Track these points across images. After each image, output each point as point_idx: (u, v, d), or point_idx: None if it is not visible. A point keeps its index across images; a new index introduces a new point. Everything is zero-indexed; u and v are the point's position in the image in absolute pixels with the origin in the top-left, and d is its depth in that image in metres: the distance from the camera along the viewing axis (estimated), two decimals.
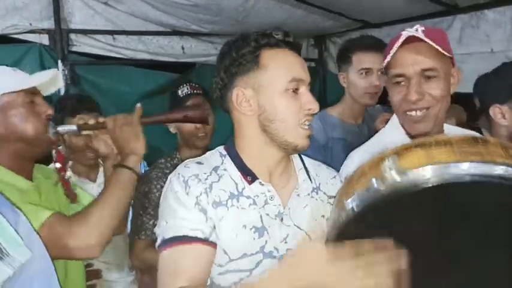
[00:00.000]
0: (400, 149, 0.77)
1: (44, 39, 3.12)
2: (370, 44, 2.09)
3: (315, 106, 1.09)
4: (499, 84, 1.51)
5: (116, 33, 3.35)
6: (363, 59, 2.07)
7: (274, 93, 1.07)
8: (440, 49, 1.23)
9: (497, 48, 2.73)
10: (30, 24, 3.05)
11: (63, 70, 3.10)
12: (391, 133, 1.37)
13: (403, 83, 1.29)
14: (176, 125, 2.00)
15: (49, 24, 3.07)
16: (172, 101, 2.05)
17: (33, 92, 1.38)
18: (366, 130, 2.15)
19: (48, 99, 1.47)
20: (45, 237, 1.10)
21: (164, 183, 1.88)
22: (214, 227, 1.05)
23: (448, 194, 0.72)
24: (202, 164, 1.12)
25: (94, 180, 2.19)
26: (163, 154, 2.16)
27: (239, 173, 1.11)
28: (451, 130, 1.42)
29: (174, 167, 1.93)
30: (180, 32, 3.54)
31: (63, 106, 2.09)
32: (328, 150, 2.01)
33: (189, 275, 1.00)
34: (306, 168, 1.21)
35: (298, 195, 1.15)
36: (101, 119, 1.48)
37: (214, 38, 3.70)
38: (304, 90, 1.09)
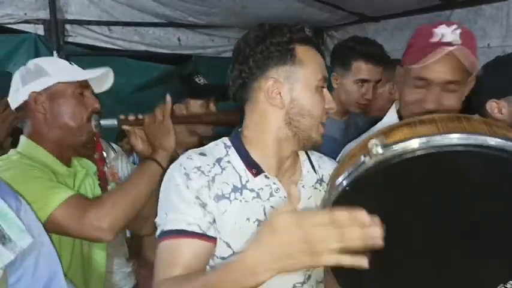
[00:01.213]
0: (386, 129, 0.82)
1: (39, 30, 3.10)
2: (374, 54, 2.03)
3: (333, 105, 1.13)
4: (495, 79, 1.50)
5: (112, 24, 3.33)
6: (363, 69, 2.01)
7: (308, 89, 1.09)
8: (473, 63, 1.19)
9: (494, 44, 2.73)
10: (25, 14, 3.03)
11: None
12: (386, 120, 1.36)
13: (422, 86, 1.26)
14: (188, 113, 2.00)
15: (44, 14, 3.05)
16: (191, 89, 2.04)
17: (84, 85, 1.50)
18: (353, 127, 2.14)
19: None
20: (62, 215, 1.28)
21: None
22: (214, 221, 1.05)
23: (431, 164, 0.75)
24: (206, 155, 1.11)
25: None
26: None
27: (243, 165, 1.11)
28: None
29: (170, 159, 1.96)
30: (177, 23, 3.52)
31: None
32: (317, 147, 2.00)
33: (184, 266, 1.00)
34: (310, 159, 1.22)
35: (303, 186, 1.16)
36: (140, 116, 1.55)
37: (210, 30, 3.69)
38: (326, 89, 1.13)
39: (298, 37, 1.09)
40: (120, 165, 2.37)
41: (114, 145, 2.43)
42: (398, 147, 0.75)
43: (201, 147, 1.16)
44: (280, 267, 0.79)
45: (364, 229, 0.72)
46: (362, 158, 0.79)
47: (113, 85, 4.00)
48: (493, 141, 0.72)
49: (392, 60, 2.04)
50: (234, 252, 1.06)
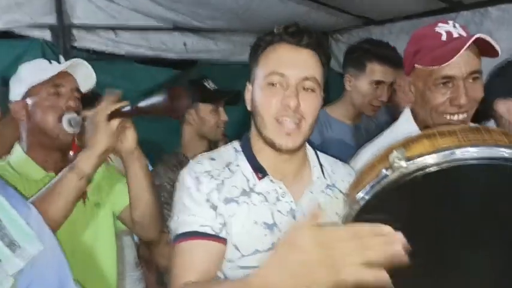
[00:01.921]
0: (407, 141, 0.81)
1: (46, 35, 3.13)
2: (389, 56, 2.03)
3: (290, 102, 1.05)
4: (503, 80, 1.49)
5: (118, 29, 3.35)
6: (378, 71, 2.01)
7: (258, 87, 1.10)
8: (497, 47, 1.21)
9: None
10: (32, 19, 3.04)
11: None
12: (407, 133, 1.35)
13: (448, 85, 1.25)
14: (199, 117, 2.01)
15: (51, 19, 3.07)
16: (201, 94, 2.06)
17: (57, 84, 1.44)
18: (363, 130, 2.13)
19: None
20: None
21: (171, 174, 1.93)
22: (225, 224, 1.06)
23: (454, 178, 0.75)
24: (215, 160, 1.13)
25: None
26: (164, 152, 2.16)
27: (251, 169, 1.12)
28: None
29: (178, 161, 1.97)
30: (182, 28, 3.54)
31: None
32: (324, 150, 1.99)
33: (199, 269, 1.02)
34: (321, 164, 1.20)
35: (311, 192, 1.15)
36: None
37: (215, 35, 3.70)
38: (278, 86, 1.07)
39: (267, 39, 1.11)
40: None
41: None
42: (421, 161, 0.74)
43: (211, 152, 1.16)
44: (300, 284, 0.77)
45: (388, 245, 0.70)
46: (384, 171, 0.77)
47: (119, 89, 4.00)
48: (501, 151, 0.72)
49: None
50: (242, 255, 1.06)
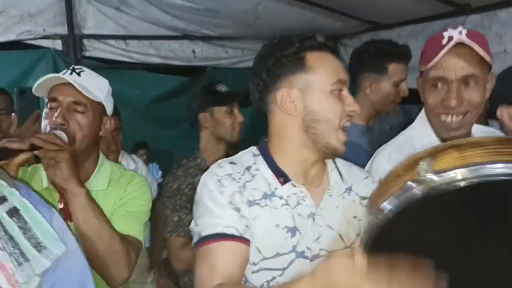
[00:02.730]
0: (435, 151, 0.78)
1: (58, 45, 3.18)
2: (407, 55, 2.08)
3: (356, 108, 1.11)
4: (506, 85, 1.48)
5: (128, 38, 3.40)
6: (400, 70, 2.05)
7: (320, 94, 1.09)
8: (485, 56, 1.21)
9: (510, 49, 2.70)
10: (44, 30, 3.11)
11: None
12: (421, 133, 1.36)
13: (441, 86, 1.27)
14: (215, 120, 2.03)
15: (62, 29, 3.13)
16: (213, 98, 2.07)
17: (50, 98, 1.34)
18: (377, 131, 2.13)
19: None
20: None
21: (190, 179, 1.95)
22: (248, 226, 1.06)
23: (484, 195, 0.72)
24: (235, 164, 1.13)
25: None
26: (175, 158, 2.19)
27: (272, 173, 1.12)
28: (481, 129, 1.41)
29: (197, 166, 2.00)
30: (191, 36, 3.58)
31: None
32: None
33: (226, 271, 1.01)
34: (338, 168, 1.21)
35: (330, 195, 1.16)
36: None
37: (224, 42, 3.73)
38: (346, 92, 1.11)
39: (308, 45, 1.10)
40: None
41: (134, 156, 2.47)
42: (449, 176, 0.72)
43: (230, 157, 1.18)
44: None
45: None
46: (410, 183, 0.75)
47: (129, 97, 4.06)
48: None
49: None
50: (264, 257, 1.07)
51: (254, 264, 1.07)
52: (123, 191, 1.40)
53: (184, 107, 3.84)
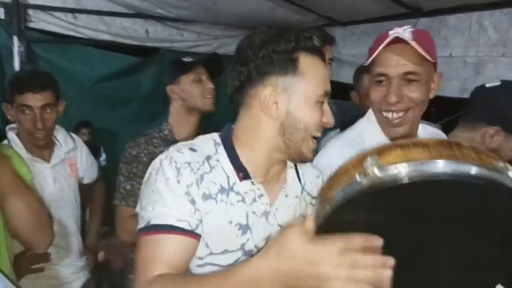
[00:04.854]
0: (381, 149, 0.84)
1: (0, 13, 2.97)
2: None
3: (332, 121, 1.09)
4: (491, 104, 1.48)
5: (77, 12, 3.23)
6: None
7: (307, 103, 1.05)
8: (425, 54, 1.24)
9: (455, 53, 2.83)
10: None
11: (18, 47, 2.97)
12: (369, 129, 1.39)
13: (384, 83, 1.30)
14: (182, 90, 1.97)
15: None
16: (178, 68, 2.01)
17: None
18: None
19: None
20: None
21: (151, 149, 1.88)
22: (201, 220, 1.03)
23: (423, 190, 0.78)
24: (196, 151, 1.08)
25: (48, 161, 2.11)
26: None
27: (232, 167, 1.08)
28: (426, 129, 1.46)
29: (163, 138, 1.92)
30: (145, 14, 3.46)
31: (13, 82, 2.03)
32: None
33: (170, 263, 0.99)
34: (296, 167, 1.20)
35: (286, 195, 1.14)
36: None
37: (180, 24, 3.64)
38: (326, 104, 1.09)
39: (304, 46, 1.05)
40: (80, 157, 2.29)
41: (73, 135, 2.34)
42: (393, 171, 0.77)
43: (190, 142, 1.12)
44: (282, 283, 0.80)
45: (379, 269, 0.73)
46: (357, 176, 0.80)
47: (76, 74, 3.89)
48: (473, 170, 0.75)
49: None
50: (211, 252, 1.05)
51: (200, 258, 1.05)
52: None
53: (134, 87, 3.76)
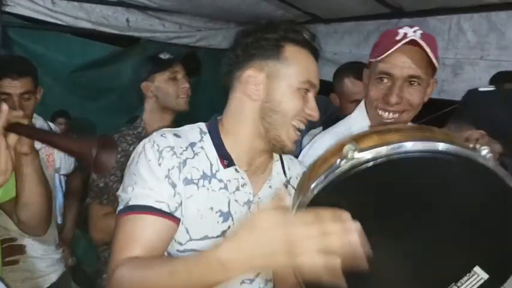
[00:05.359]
0: (358, 136, 0.88)
1: None
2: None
3: (316, 114, 1.10)
4: (481, 108, 1.48)
5: None
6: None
7: (286, 87, 1.07)
8: (434, 62, 1.25)
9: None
10: None
11: None
12: (363, 127, 1.39)
13: (385, 81, 1.30)
14: (157, 88, 1.94)
15: None
16: (154, 64, 1.98)
17: None
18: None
19: None
20: None
21: (125, 146, 1.84)
22: (181, 204, 1.04)
23: (401, 169, 0.83)
24: (180, 137, 1.09)
25: None
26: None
27: (216, 154, 1.10)
28: None
29: (136, 135, 1.89)
30: (126, 3, 3.39)
31: None
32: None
33: (147, 244, 0.99)
34: (282, 160, 1.21)
35: (270, 186, 1.16)
36: None
37: (162, 14, 3.58)
38: (311, 95, 1.11)
39: (292, 37, 1.09)
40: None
41: (51, 124, 2.29)
42: (372, 152, 0.81)
43: (175, 129, 1.13)
44: (254, 265, 0.79)
45: (346, 233, 0.73)
46: (338, 161, 0.82)
47: (53, 62, 3.79)
48: (443, 146, 0.80)
49: (360, 63, 2.11)
50: (191, 238, 1.05)
51: (180, 244, 1.06)
52: None
53: (113, 77, 3.69)
